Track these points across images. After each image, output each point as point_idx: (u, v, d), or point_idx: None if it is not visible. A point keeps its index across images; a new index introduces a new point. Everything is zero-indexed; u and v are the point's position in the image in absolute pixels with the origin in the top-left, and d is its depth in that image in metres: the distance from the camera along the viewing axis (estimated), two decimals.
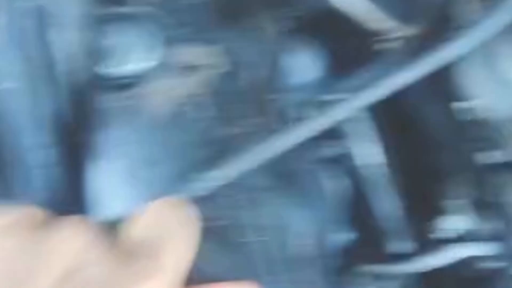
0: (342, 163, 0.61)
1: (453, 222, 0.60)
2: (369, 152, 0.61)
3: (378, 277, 0.61)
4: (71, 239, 0.37)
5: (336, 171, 0.61)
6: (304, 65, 0.59)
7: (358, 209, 0.61)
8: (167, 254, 0.39)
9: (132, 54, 0.48)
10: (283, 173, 0.50)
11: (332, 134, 0.60)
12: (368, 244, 0.62)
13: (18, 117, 0.48)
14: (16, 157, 0.48)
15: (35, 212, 0.39)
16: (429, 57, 0.47)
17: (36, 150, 0.48)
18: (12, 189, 0.48)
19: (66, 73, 0.49)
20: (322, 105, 0.52)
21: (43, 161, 0.48)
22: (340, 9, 0.54)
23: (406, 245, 0.61)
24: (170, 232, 0.40)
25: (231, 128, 0.49)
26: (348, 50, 0.62)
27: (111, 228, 0.40)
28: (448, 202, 0.60)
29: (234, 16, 0.51)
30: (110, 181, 0.48)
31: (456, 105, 0.57)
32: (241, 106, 0.50)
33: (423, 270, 0.60)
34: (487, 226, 0.59)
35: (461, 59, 0.54)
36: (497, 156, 0.57)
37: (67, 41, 0.49)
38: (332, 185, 0.57)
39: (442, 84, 0.57)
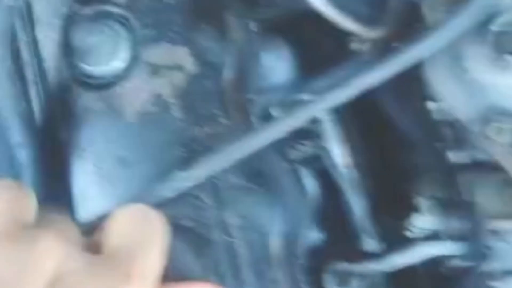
0: (313, 163, 0.61)
1: (422, 221, 0.60)
2: (339, 152, 0.61)
3: (348, 275, 0.61)
4: (53, 250, 0.37)
5: (306, 171, 0.61)
6: (272, 66, 0.60)
7: (327, 209, 0.62)
8: (143, 260, 0.40)
9: (101, 54, 0.48)
10: (253, 173, 0.50)
11: (303, 134, 0.60)
12: (338, 243, 0.62)
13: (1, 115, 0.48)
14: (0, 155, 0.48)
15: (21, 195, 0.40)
16: (396, 58, 0.48)
17: (19, 148, 0.48)
18: None
19: (49, 71, 0.49)
20: (292, 106, 0.53)
21: (25, 160, 0.48)
22: (310, 11, 0.54)
23: (376, 244, 0.62)
24: (143, 238, 0.41)
25: (200, 129, 0.49)
26: (318, 51, 0.62)
27: (87, 229, 0.41)
28: (418, 201, 0.61)
29: (203, 17, 0.51)
30: (82, 181, 0.48)
31: (425, 105, 0.57)
32: (210, 107, 0.50)
33: (393, 269, 0.61)
34: (455, 225, 0.59)
35: (429, 60, 0.55)
36: (464, 156, 0.58)
37: (49, 39, 0.49)
38: (302, 185, 0.57)
39: (411, 84, 0.58)
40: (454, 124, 0.57)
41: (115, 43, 0.48)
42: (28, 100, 0.48)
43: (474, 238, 0.57)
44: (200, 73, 0.49)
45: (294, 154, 0.61)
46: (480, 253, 0.57)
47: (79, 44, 0.48)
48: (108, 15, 0.49)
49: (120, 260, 0.39)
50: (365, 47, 0.58)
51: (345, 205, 0.61)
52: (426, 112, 0.58)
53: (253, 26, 0.54)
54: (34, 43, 0.49)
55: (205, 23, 0.51)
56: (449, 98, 0.55)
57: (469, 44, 0.54)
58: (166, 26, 0.50)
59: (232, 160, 0.46)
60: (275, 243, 0.50)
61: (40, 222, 0.39)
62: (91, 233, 0.41)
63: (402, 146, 0.62)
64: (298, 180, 0.57)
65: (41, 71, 0.49)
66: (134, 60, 0.49)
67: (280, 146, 0.56)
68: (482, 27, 0.53)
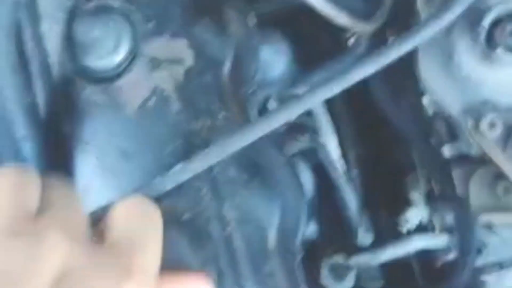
0: (307, 156, 0.62)
1: (416, 215, 0.61)
2: (334, 147, 0.61)
3: (343, 269, 0.61)
4: (59, 246, 0.38)
5: (301, 164, 0.62)
6: (270, 59, 0.60)
7: (323, 203, 0.62)
8: (143, 254, 0.40)
9: (104, 48, 0.48)
10: (249, 166, 0.50)
11: (299, 129, 0.61)
12: (333, 237, 0.63)
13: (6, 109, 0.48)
14: (4, 148, 0.48)
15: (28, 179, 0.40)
16: (386, 51, 0.48)
17: (23, 142, 0.48)
18: None
19: (53, 65, 0.49)
20: (289, 99, 0.53)
21: (29, 153, 0.48)
22: (306, 5, 0.54)
23: (370, 238, 0.62)
24: (143, 231, 0.42)
25: (197, 121, 0.49)
26: (315, 45, 0.63)
27: (91, 220, 0.41)
28: (411, 195, 0.61)
29: (202, 11, 0.51)
30: (86, 174, 0.49)
31: (419, 101, 0.58)
32: (209, 100, 0.50)
33: (384, 261, 0.61)
34: (448, 219, 0.60)
35: (421, 56, 0.55)
36: (457, 150, 0.58)
37: (54, 33, 0.49)
38: (297, 178, 0.58)
39: (405, 80, 0.58)
40: (447, 119, 0.57)
41: (117, 37, 0.48)
42: (32, 94, 0.49)
43: (467, 231, 0.58)
44: (199, 67, 0.50)
45: (290, 148, 0.61)
46: (472, 246, 0.58)
47: (82, 38, 0.49)
48: (111, 9, 0.49)
49: (121, 254, 0.40)
50: (360, 41, 0.59)
51: (340, 199, 0.62)
52: (420, 108, 0.58)
53: (251, 20, 0.55)
54: (38, 37, 0.49)
55: (205, 17, 0.51)
56: (441, 93, 0.56)
57: (461, 40, 0.55)
58: (166, 20, 0.50)
59: (228, 153, 0.47)
60: (273, 237, 0.50)
61: (45, 205, 0.40)
62: (95, 224, 0.42)
63: (396, 141, 0.62)
64: (295, 174, 0.57)
65: (45, 65, 0.49)
66: (136, 53, 0.49)
67: (277, 140, 0.56)
68: (473, 22, 0.54)
